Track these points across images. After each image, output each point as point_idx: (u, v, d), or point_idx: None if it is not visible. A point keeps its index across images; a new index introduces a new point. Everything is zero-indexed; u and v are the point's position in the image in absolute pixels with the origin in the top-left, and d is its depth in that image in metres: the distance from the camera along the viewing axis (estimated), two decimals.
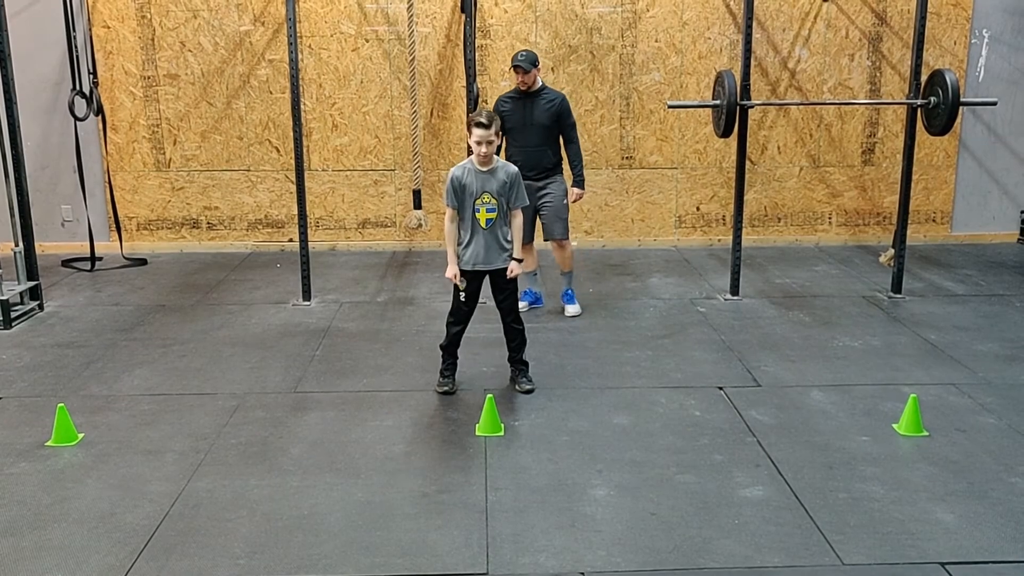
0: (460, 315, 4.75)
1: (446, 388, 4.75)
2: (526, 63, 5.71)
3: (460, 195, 4.59)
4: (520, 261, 4.77)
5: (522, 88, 5.82)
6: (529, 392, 4.74)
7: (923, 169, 8.01)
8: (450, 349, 4.82)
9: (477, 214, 4.59)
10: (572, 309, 6.10)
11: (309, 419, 4.44)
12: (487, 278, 4.74)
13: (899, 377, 4.96)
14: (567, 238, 6.04)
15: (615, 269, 7.37)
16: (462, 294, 4.68)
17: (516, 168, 4.71)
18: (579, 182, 6.02)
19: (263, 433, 4.27)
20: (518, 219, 4.73)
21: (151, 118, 7.78)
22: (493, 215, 4.61)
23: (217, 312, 6.21)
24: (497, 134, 4.53)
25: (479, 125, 4.46)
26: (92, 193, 7.72)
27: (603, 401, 4.64)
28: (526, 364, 4.89)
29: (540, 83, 5.88)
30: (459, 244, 4.68)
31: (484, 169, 4.58)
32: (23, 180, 6.11)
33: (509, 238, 4.71)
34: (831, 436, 4.22)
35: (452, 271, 4.64)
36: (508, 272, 4.68)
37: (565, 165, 6.04)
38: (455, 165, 4.69)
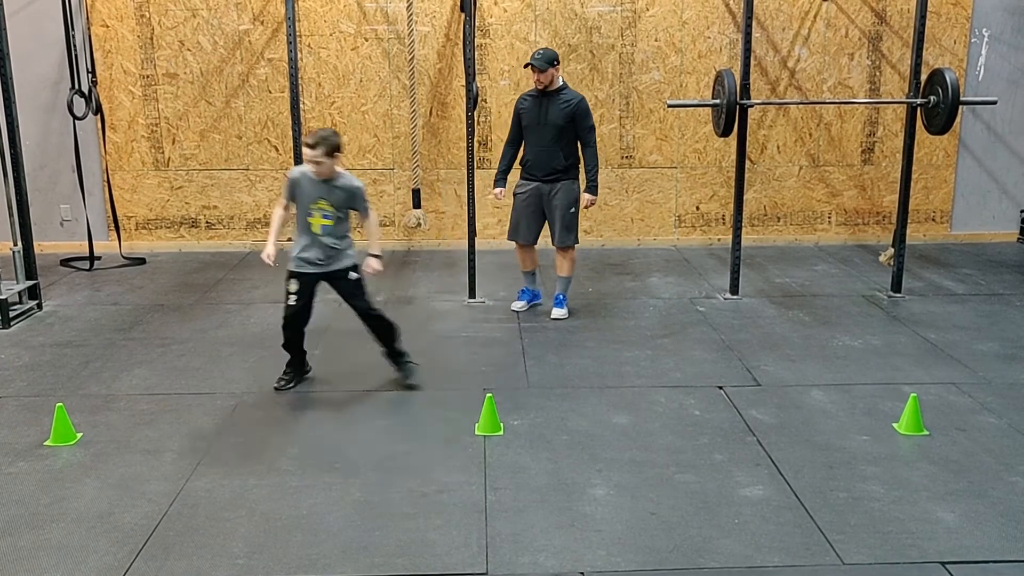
0: (292, 315, 4.72)
1: (280, 384, 4.78)
2: (541, 62, 5.60)
3: (295, 196, 4.66)
4: (379, 257, 4.76)
5: (538, 87, 5.71)
6: (411, 387, 4.75)
7: (923, 168, 8.01)
8: (289, 348, 4.82)
9: (311, 218, 4.61)
10: (559, 312, 5.98)
11: (308, 418, 4.43)
12: (327, 284, 4.74)
13: (899, 376, 4.96)
14: (572, 247, 5.93)
15: (614, 268, 7.37)
16: (291, 296, 4.68)
17: (359, 184, 4.68)
18: (592, 188, 5.81)
19: (262, 433, 4.26)
20: (370, 219, 4.76)
21: (150, 117, 7.77)
22: (329, 222, 4.62)
23: (216, 311, 6.20)
24: (329, 154, 4.50)
25: (305, 145, 4.54)
26: (91, 192, 7.71)
27: (602, 400, 4.64)
28: (402, 354, 4.86)
29: (561, 82, 5.76)
30: (294, 244, 4.71)
31: (322, 180, 4.60)
32: (22, 179, 6.10)
33: (343, 245, 4.69)
34: (831, 435, 4.22)
35: (268, 251, 4.65)
36: (365, 267, 4.70)
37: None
38: (295, 167, 4.74)
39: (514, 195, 6.01)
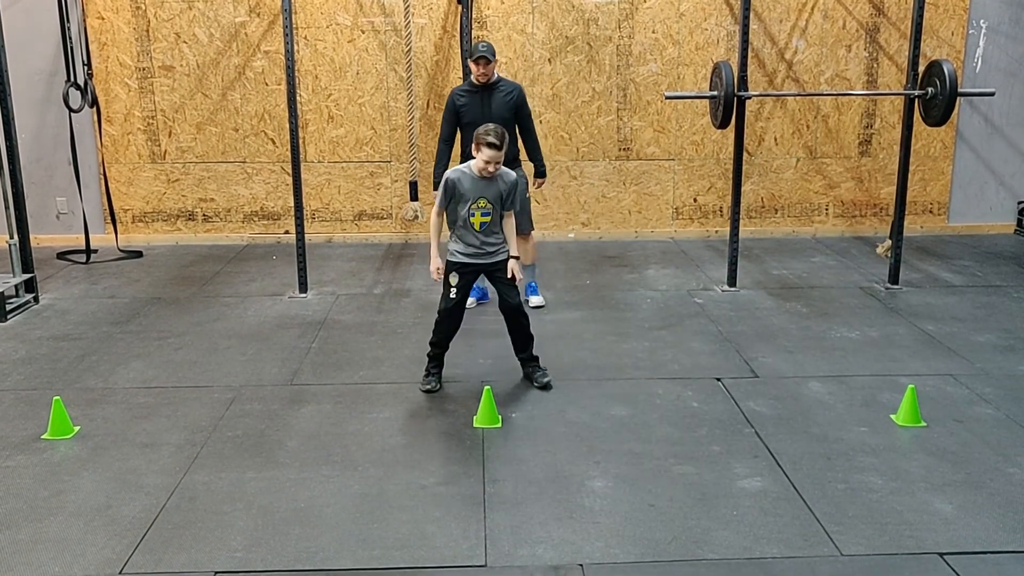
0: (453, 312, 4.67)
1: (430, 386, 4.64)
2: (490, 53, 5.58)
3: (455, 199, 4.56)
4: (518, 258, 4.72)
5: (481, 80, 5.66)
6: (546, 387, 4.66)
7: (920, 160, 8.00)
8: (441, 346, 4.74)
9: (472, 218, 4.55)
10: (536, 300, 6.01)
11: (306, 412, 4.43)
12: (484, 277, 4.71)
13: (897, 368, 4.96)
14: (529, 231, 5.96)
15: (612, 261, 7.36)
16: (453, 289, 4.63)
17: (515, 176, 4.66)
18: (541, 172, 5.96)
19: (260, 426, 4.26)
20: (511, 221, 4.69)
21: (146, 110, 7.74)
22: (487, 219, 4.57)
23: (213, 304, 6.19)
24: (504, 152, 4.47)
25: (491, 146, 4.39)
26: (87, 185, 7.69)
27: (601, 392, 4.64)
28: (536, 358, 4.80)
29: (496, 75, 5.77)
30: (452, 240, 4.65)
31: (485, 177, 4.53)
32: (18, 172, 6.08)
33: (502, 237, 4.69)
34: (829, 427, 4.22)
35: (435, 264, 4.59)
36: (508, 272, 4.64)
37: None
38: (452, 168, 4.65)
39: None
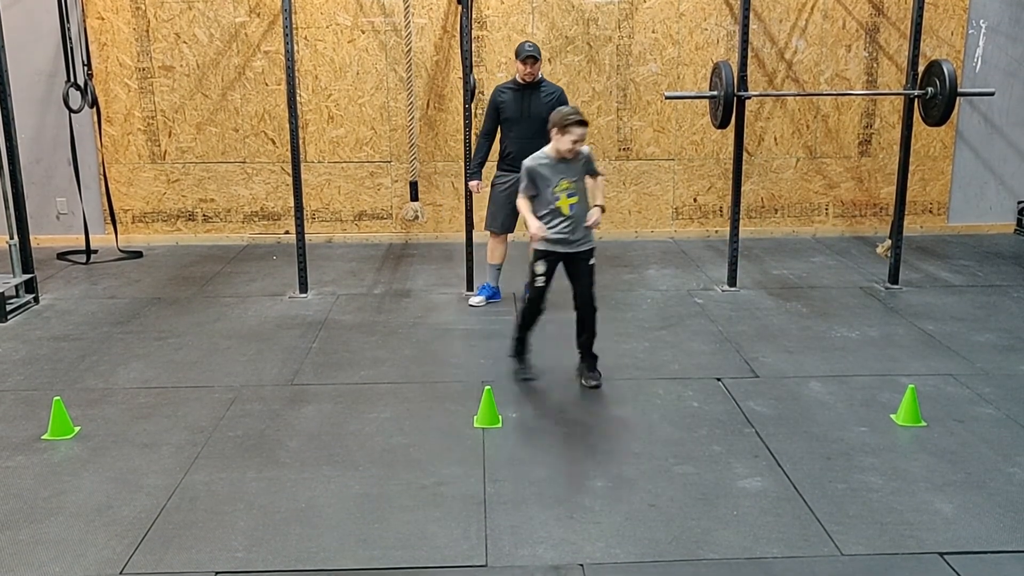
0: (540, 298, 4.69)
1: (530, 374, 4.75)
2: (537, 52, 5.69)
3: (537, 185, 4.59)
4: (603, 208, 4.67)
5: (528, 79, 5.77)
6: (595, 387, 4.66)
7: (920, 160, 8.00)
8: (528, 329, 4.78)
9: (558, 202, 4.56)
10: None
11: (306, 412, 4.43)
12: (562, 265, 4.67)
13: (897, 368, 4.96)
14: None
15: (612, 261, 7.36)
16: (540, 277, 4.63)
17: (588, 149, 4.66)
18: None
19: (260, 426, 4.26)
20: (595, 182, 4.70)
21: (146, 110, 7.74)
22: (575, 199, 4.57)
23: (213, 304, 6.19)
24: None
25: (580, 124, 4.47)
26: (87, 186, 7.69)
27: (601, 392, 4.63)
28: (595, 357, 4.78)
29: (540, 75, 5.88)
30: (543, 221, 4.61)
31: (565, 159, 4.55)
32: (18, 173, 6.08)
33: (588, 229, 4.66)
34: (829, 427, 4.22)
35: (535, 225, 4.54)
36: (588, 220, 4.58)
37: None
38: (530, 156, 4.64)
39: (492, 186, 6.10)
